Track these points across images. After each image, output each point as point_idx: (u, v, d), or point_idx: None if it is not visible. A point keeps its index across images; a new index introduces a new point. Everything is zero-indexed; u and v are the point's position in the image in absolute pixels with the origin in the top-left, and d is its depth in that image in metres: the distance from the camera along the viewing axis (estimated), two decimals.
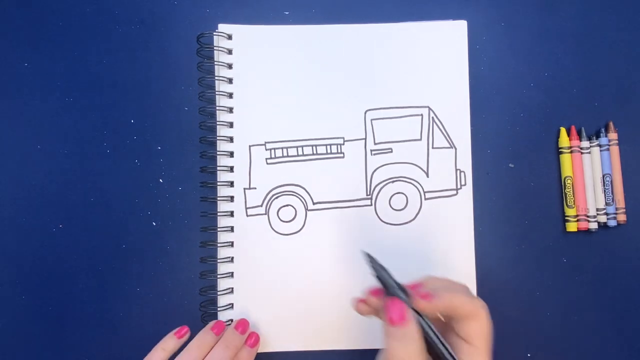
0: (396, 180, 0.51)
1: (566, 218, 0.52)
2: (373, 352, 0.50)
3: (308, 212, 0.51)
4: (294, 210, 0.50)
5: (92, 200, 0.52)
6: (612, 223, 0.52)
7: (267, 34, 0.52)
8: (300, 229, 0.50)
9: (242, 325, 0.48)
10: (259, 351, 0.50)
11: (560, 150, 0.53)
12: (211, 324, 0.48)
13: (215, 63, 0.51)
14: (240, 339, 0.48)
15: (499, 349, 0.52)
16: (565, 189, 0.52)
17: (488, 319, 0.37)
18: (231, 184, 0.51)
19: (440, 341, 0.35)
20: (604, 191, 0.52)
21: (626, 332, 0.52)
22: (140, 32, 0.54)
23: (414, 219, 0.51)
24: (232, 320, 0.50)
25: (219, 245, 0.50)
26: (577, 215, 0.52)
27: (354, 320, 0.49)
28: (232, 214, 0.50)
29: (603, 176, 0.52)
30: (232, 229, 0.50)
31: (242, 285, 0.50)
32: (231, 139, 0.51)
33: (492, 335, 0.38)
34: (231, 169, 0.51)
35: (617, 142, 0.52)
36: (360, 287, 0.50)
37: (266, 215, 0.50)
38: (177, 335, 0.47)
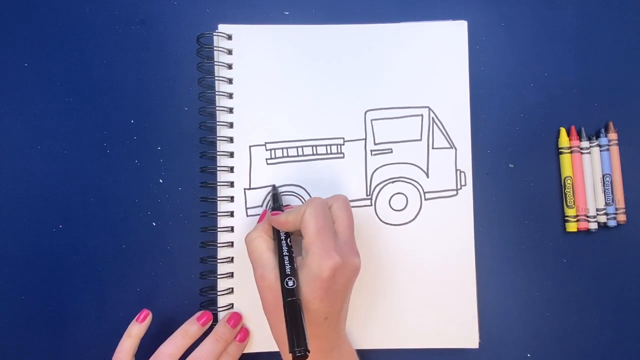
0: (396, 181, 0.51)
1: (566, 218, 0.52)
2: (370, 353, 0.50)
3: None
4: None
5: (92, 200, 0.52)
6: (612, 223, 0.52)
7: (267, 34, 0.52)
8: None
9: (234, 319, 0.48)
10: (259, 350, 0.50)
11: (560, 150, 0.53)
12: (198, 314, 0.49)
13: (215, 63, 0.51)
14: (232, 332, 0.48)
15: (499, 349, 0.52)
16: (565, 189, 0.52)
17: (310, 215, 0.41)
18: (231, 184, 0.51)
19: (287, 246, 0.43)
20: (604, 191, 0.52)
21: (626, 332, 0.52)
22: (140, 32, 0.54)
23: (414, 219, 0.51)
24: None
25: (219, 245, 0.50)
26: (577, 216, 0.52)
27: (351, 320, 0.49)
28: (232, 214, 0.50)
29: (603, 176, 0.52)
30: (232, 229, 0.50)
31: (242, 286, 0.50)
32: (231, 139, 0.51)
33: (322, 223, 0.41)
34: (231, 169, 0.51)
35: (617, 142, 0.52)
36: (358, 287, 0.50)
37: None
38: (138, 320, 0.47)
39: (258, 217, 0.50)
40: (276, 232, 0.45)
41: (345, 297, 0.42)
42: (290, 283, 0.39)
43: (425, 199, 0.51)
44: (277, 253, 0.43)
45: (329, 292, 0.40)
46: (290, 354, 0.36)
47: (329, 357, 0.43)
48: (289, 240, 0.44)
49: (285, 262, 0.41)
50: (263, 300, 0.43)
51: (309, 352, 0.36)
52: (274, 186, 0.50)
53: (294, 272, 0.41)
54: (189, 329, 0.47)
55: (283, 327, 0.40)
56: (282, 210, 0.46)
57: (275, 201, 0.48)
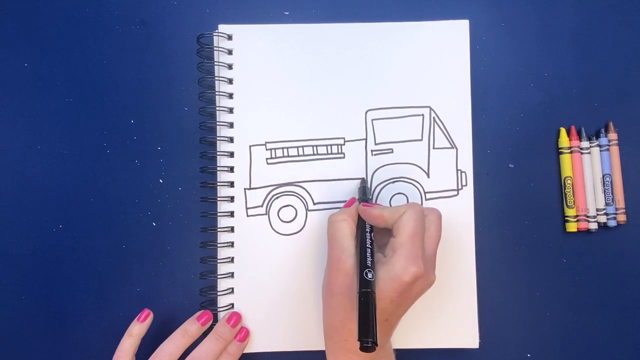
0: (397, 181, 0.51)
1: (566, 218, 0.52)
2: None
3: (308, 213, 0.51)
4: (294, 210, 0.50)
5: (92, 200, 0.52)
6: (612, 223, 0.52)
7: (267, 33, 0.52)
8: (301, 229, 0.50)
9: (234, 318, 0.49)
10: (259, 350, 0.50)
11: (560, 150, 0.53)
12: (197, 314, 0.49)
13: (216, 63, 0.51)
14: (232, 332, 0.48)
15: (499, 349, 0.52)
16: (565, 189, 0.52)
17: (410, 218, 0.41)
18: (231, 184, 0.51)
19: (371, 240, 0.43)
20: (604, 191, 0.52)
21: (626, 332, 0.52)
22: (140, 32, 0.53)
23: None
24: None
25: (219, 245, 0.50)
26: (577, 216, 0.52)
27: None
28: (232, 214, 0.50)
29: (603, 176, 0.52)
30: (232, 229, 0.50)
31: (242, 286, 0.50)
32: (231, 139, 0.51)
33: (421, 231, 0.42)
34: (231, 169, 0.51)
35: (617, 142, 0.52)
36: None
37: (267, 216, 0.50)
38: (139, 320, 0.48)
39: (259, 218, 0.50)
40: (362, 223, 0.45)
41: (410, 306, 0.43)
42: (370, 275, 0.39)
43: (426, 199, 0.51)
44: (359, 243, 0.43)
45: (401, 296, 0.40)
46: (358, 342, 0.36)
47: (374, 357, 0.42)
48: (372, 234, 0.44)
49: (367, 254, 0.41)
50: (330, 282, 0.42)
51: (377, 346, 0.35)
52: (363, 179, 0.50)
53: (374, 266, 0.41)
54: (189, 329, 0.47)
55: (341, 312, 0.41)
56: (370, 204, 0.46)
57: (365, 194, 0.48)
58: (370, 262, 0.40)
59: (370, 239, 0.43)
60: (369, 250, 0.42)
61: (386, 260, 0.41)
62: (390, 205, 0.51)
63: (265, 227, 0.50)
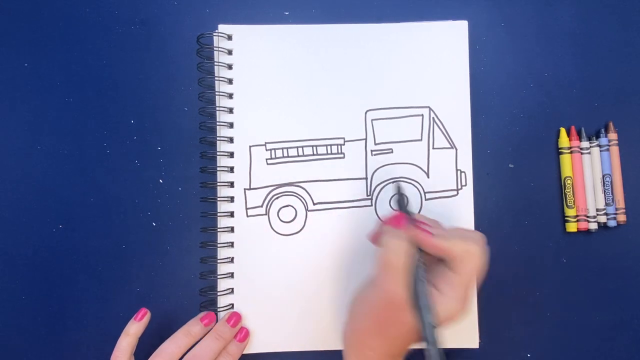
0: (397, 181, 0.51)
1: (566, 218, 0.52)
2: None
3: (308, 213, 0.51)
4: (294, 210, 0.50)
5: (92, 200, 0.52)
6: (612, 223, 0.52)
7: (267, 34, 0.52)
8: (301, 229, 0.50)
9: (234, 318, 0.49)
10: (259, 351, 0.50)
11: (560, 150, 0.53)
12: (201, 314, 0.49)
13: (215, 63, 0.51)
14: (231, 331, 0.48)
15: (499, 348, 0.52)
16: (565, 189, 0.52)
17: (481, 255, 0.39)
18: (231, 184, 0.51)
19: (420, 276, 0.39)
20: (604, 191, 0.52)
21: (626, 332, 0.52)
22: (140, 32, 0.54)
23: None
24: None
25: (219, 245, 0.50)
26: (577, 216, 0.52)
27: None
28: (232, 214, 0.50)
29: (603, 176, 0.52)
30: (232, 229, 0.50)
31: (242, 286, 0.50)
32: (231, 140, 0.51)
33: (482, 272, 0.40)
34: (231, 169, 0.51)
35: (617, 142, 0.52)
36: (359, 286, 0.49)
37: (266, 216, 0.50)
38: (136, 319, 0.47)
39: (259, 218, 0.50)
40: (414, 249, 0.40)
41: None
42: (436, 335, 0.37)
43: (426, 199, 0.51)
44: (413, 277, 0.39)
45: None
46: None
47: None
48: (424, 262, 0.40)
49: (425, 293, 0.38)
50: (367, 303, 0.40)
51: None
52: (398, 185, 0.45)
53: (434, 311, 0.38)
54: (192, 329, 0.47)
55: (364, 327, 0.40)
56: (408, 212, 0.42)
57: (403, 205, 0.43)
58: (428, 308, 0.37)
59: (424, 270, 0.39)
60: (421, 284, 0.38)
61: (442, 299, 0.38)
62: (391, 206, 0.51)
63: (265, 227, 0.50)
